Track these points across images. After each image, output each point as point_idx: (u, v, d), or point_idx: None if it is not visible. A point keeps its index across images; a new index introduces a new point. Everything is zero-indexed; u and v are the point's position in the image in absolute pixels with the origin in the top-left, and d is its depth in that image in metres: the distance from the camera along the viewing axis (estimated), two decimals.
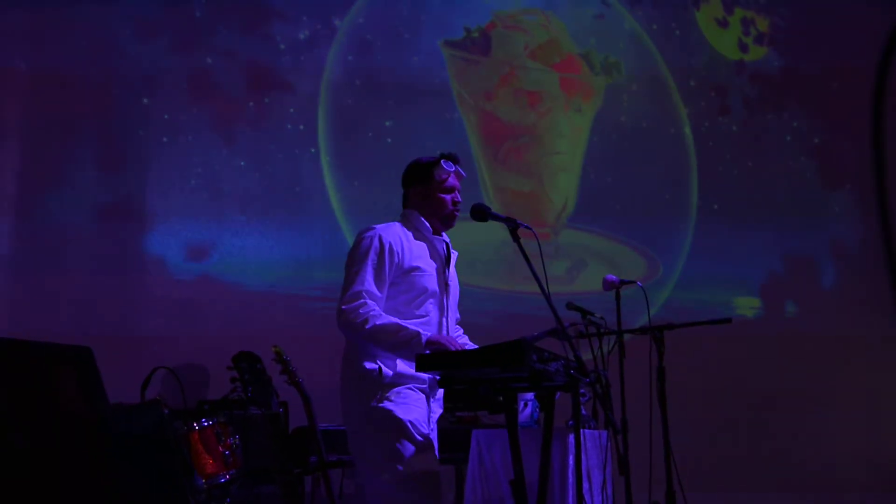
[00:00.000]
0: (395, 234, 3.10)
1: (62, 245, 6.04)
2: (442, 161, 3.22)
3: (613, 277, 4.48)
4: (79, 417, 2.47)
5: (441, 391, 3.10)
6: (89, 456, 2.45)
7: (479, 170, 6.66)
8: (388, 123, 6.54)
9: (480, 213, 3.17)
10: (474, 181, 6.54)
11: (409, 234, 3.16)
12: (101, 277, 5.99)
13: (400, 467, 2.88)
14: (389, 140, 6.48)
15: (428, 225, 3.19)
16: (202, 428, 4.03)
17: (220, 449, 4.02)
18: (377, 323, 2.92)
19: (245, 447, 4.21)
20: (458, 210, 3.23)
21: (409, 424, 2.92)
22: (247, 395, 4.33)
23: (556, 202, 6.79)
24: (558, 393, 3.16)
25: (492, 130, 6.78)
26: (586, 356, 3.58)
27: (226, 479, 4.01)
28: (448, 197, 3.21)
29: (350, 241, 6.21)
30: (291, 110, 6.46)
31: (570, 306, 4.36)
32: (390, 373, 2.95)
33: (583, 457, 3.58)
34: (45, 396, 2.38)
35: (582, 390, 3.94)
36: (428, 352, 2.85)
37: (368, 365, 2.97)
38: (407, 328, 2.91)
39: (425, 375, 2.98)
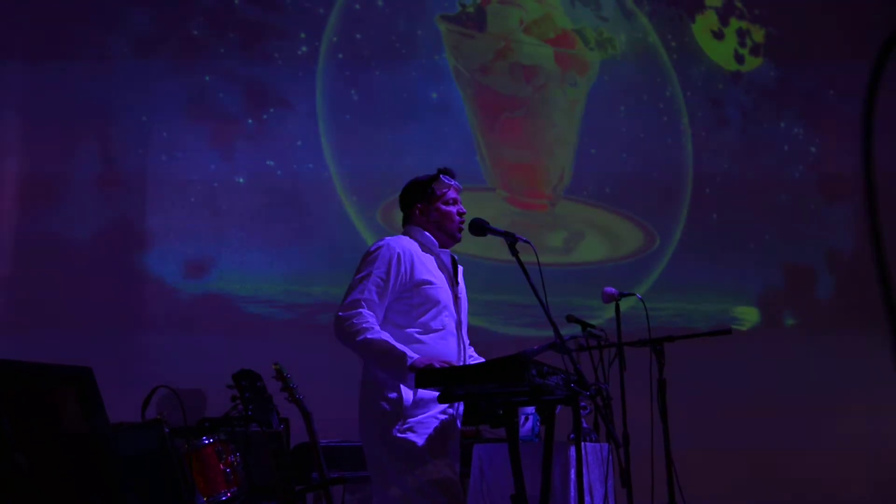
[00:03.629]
0: (404, 245, 3.10)
1: (61, 263, 6.04)
2: (441, 176, 3.24)
3: (613, 290, 4.48)
4: (80, 437, 2.47)
5: (461, 407, 3.10)
6: (91, 476, 2.45)
7: (476, 143, 6.70)
8: (386, 137, 6.56)
9: (479, 227, 3.18)
10: (472, 154, 6.59)
11: (416, 247, 3.17)
12: (100, 296, 5.98)
13: (417, 483, 2.87)
14: (388, 153, 6.50)
15: (434, 239, 3.20)
16: (203, 446, 4.02)
17: (222, 467, 4.01)
18: (367, 337, 2.90)
19: (246, 465, 4.20)
20: (463, 222, 3.23)
21: (429, 455, 2.90)
22: (247, 414, 4.32)
23: (552, 173, 6.83)
24: (559, 406, 3.16)
25: (488, 104, 6.81)
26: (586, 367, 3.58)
27: (227, 497, 4.01)
28: (453, 209, 3.22)
29: (349, 255, 6.22)
30: (290, 126, 6.48)
31: (570, 319, 4.36)
32: (410, 398, 2.93)
33: (584, 470, 3.58)
34: (46, 417, 2.38)
35: (583, 403, 3.94)
36: (412, 376, 2.83)
37: (390, 394, 2.95)
38: (394, 349, 2.87)
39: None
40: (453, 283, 3.20)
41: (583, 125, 6.89)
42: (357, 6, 6.70)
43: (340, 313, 2.97)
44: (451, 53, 6.77)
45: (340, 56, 6.62)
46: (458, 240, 3.24)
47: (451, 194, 3.23)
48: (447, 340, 3.06)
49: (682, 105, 7.04)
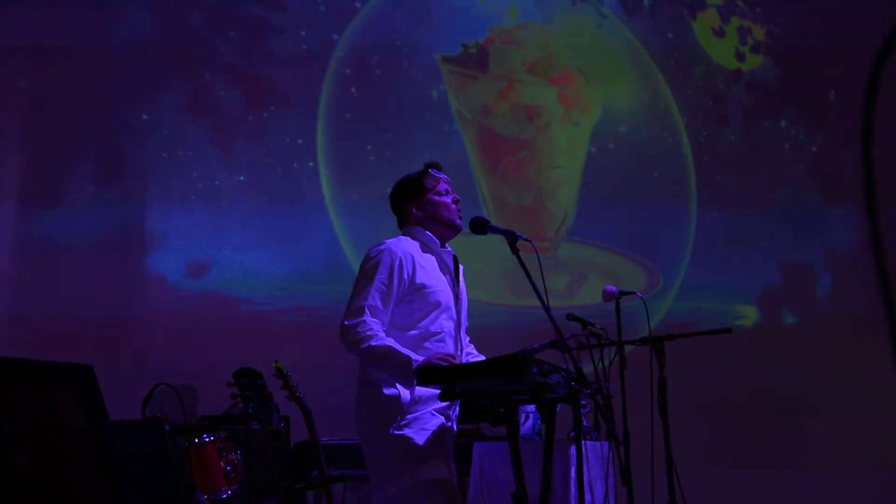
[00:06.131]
0: (404, 248, 3.08)
1: (62, 261, 6.04)
2: (430, 170, 3.22)
3: (613, 288, 4.48)
4: (80, 435, 2.47)
5: (456, 409, 3.10)
6: (91, 474, 2.45)
7: (478, 184, 6.67)
8: (386, 136, 6.56)
9: (479, 225, 3.16)
10: (473, 196, 6.54)
11: (417, 247, 3.15)
12: (101, 294, 5.99)
13: (415, 482, 2.87)
14: (388, 153, 6.50)
15: (434, 238, 3.18)
16: (203, 444, 4.02)
17: (222, 465, 4.01)
18: (371, 344, 2.88)
19: (246, 463, 4.20)
20: (460, 211, 3.22)
21: (427, 450, 2.90)
22: (248, 412, 4.32)
23: (555, 216, 6.79)
24: (560, 405, 3.16)
25: (491, 145, 6.79)
26: (587, 368, 3.58)
27: (227, 494, 4.00)
28: (447, 198, 3.20)
29: (349, 254, 6.24)
30: (290, 124, 6.48)
31: (570, 317, 4.36)
32: (408, 397, 2.93)
33: (584, 468, 3.58)
34: (47, 415, 2.38)
35: (583, 401, 3.93)
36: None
37: (388, 391, 2.95)
38: (398, 354, 2.86)
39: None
40: (454, 282, 3.19)
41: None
42: (358, 4, 6.70)
43: (346, 322, 2.96)
44: (453, 95, 6.74)
45: (341, 55, 6.62)
46: (458, 227, 3.21)
47: (443, 186, 3.21)
48: (445, 343, 3.06)
49: (674, 109, 7.03)
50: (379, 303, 2.97)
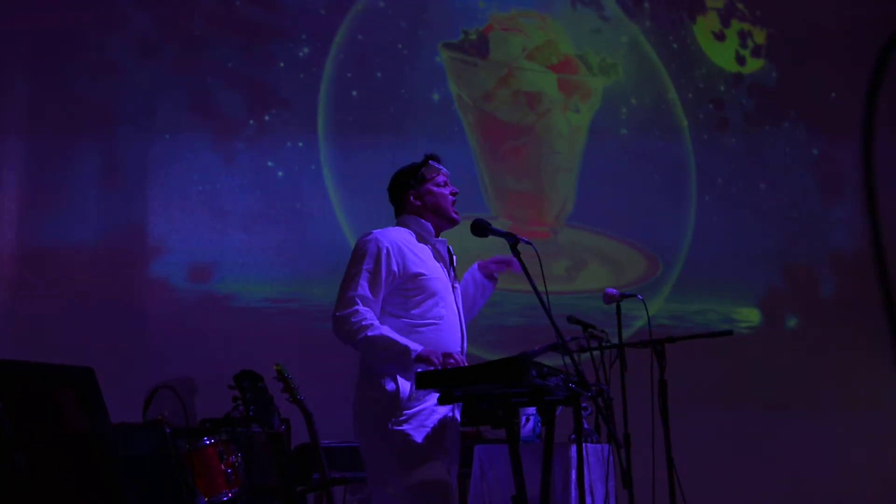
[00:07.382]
0: (393, 238, 3.10)
1: (63, 265, 6.04)
2: (430, 161, 3.24)
3: (614, 291, 4.47)
4: (81, 438, 2.47)
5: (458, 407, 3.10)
6: (91, 476, 2.45)
7: (478, 170, 6.69)
8: (387, 139, 6.56)
9: (481, 228, 3.18)
10: (474, 182, 6.57)
11: (412, 237, 3.16)
12: (102, 297, 5.99)
13: (411, 484, 2.86)
14: (389, 155, 6.49)
15: (430, 227, 3.19)
16: (204, 447, 4.03)
17: (223, 467, 4.01)
18: (368, 334, 2.90)
19: (247, 465, 4.20)
20: (455, 203, 3.23)
21: (426, 449, 2.90)
22: (248, 415, 4.32)
23: (555, 202, 6.81)
24: (560, 407, 3.16)
25: (491, 131, 6.81)
26: (587, 370, 3.58)
27: (228, 497, 4.01)
28: (446, 190, 3.22)
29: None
30: (291, 127, 6.48)
31: (571, 320, 4.36)
32: (407, 391, 2.93)
33: (585, 471, 3.57)
34: (48, 417, 2.38)
35: (584, 404, 3.94)
36: (419, 368, 2.83)
37: (388, 385, 2.95)
38: (397, 343, 2.88)
39: None
40: (450, 272, 3.20)
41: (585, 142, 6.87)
42: (359, 7, 6.71)
43: (337, 313, 2.98)
44: (454, 81, 6.76)
45: (341, 57, 6.62)
46: (455, 221, 3.23)
47: (441, 178, 3.23)
48: (446, 331, 3.06)
49: (680, 110, 7.04)
50: (368, 292, 2.98)
